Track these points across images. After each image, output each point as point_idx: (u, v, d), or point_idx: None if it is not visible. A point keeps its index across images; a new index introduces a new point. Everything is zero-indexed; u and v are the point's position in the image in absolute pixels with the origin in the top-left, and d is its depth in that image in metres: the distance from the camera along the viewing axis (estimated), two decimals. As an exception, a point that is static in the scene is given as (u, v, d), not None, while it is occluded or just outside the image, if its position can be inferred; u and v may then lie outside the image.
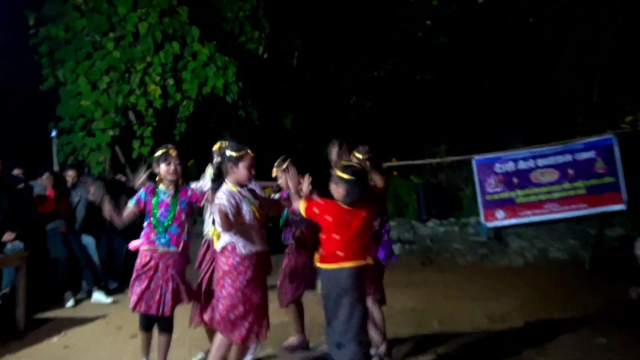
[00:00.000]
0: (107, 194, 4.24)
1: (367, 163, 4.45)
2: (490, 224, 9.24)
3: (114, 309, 6.60)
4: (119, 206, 4.30)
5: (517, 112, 12.54)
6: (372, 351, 4.27)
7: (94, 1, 9.54)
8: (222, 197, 3.69)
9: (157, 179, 4.29)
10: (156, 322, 4.28)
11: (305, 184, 3.87)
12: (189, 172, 7.27)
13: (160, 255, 4.18)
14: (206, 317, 4.00)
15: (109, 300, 7.01)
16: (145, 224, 4.24)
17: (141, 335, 4.35)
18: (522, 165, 9.28)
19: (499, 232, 9.29)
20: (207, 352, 4.52)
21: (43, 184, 7.42)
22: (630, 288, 6.33)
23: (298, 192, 3.82)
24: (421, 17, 13.75)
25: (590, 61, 11.91)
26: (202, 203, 4.35)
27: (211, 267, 4.36)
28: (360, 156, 4.52)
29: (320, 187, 4.02)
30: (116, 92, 9.42)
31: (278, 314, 5.27)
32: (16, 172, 7.47)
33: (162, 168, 4.24)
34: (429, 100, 13.72)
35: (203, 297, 4.31)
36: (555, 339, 5.01)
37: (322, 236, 3.73)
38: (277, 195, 4.81)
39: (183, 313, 4.58)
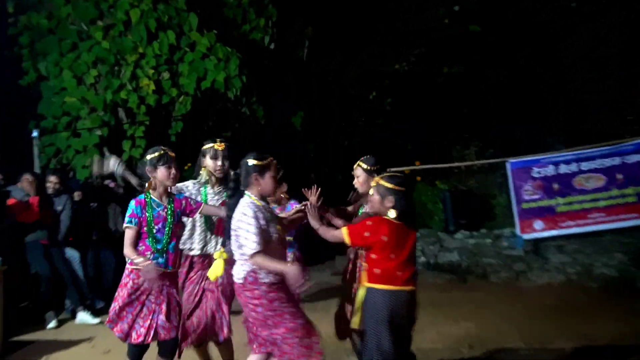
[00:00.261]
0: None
1: (375, 176, 4.47)
2: (527, 236, 9.18)
3: (101, 331, 6.61)
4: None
5: (557, 110, 12.50)
6: None
7: (80, -14, 9.64)
8: (249, 213, 3.66)
9: (147, 186, 4.19)
10: (148, 348, 4.23)
11: (313, 198, 3.90)
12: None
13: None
14: None
15: (95, 321, 7.02)
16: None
17: None
18: (563, 169, 9.22)
19: (537, 246, 9.23)
20: None
21: (24, 189, 7.33)
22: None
23: (317, 217, 3.86)
24: (448, 3, 13.74)
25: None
26: (195, 215, 4.33)
27: (200, 287, 4.41)
28: (365, 166, 4.51)
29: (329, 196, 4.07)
30: (105, 87, 9.48)
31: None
32: (-7, 176, 7.53)
33: (161, 173, 4.16)
34: (457, 96, 13.71)
35: (192, 318, 4.36)
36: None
37: (372, 255, 3.75)
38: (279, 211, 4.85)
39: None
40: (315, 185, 4.16)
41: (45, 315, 6.99)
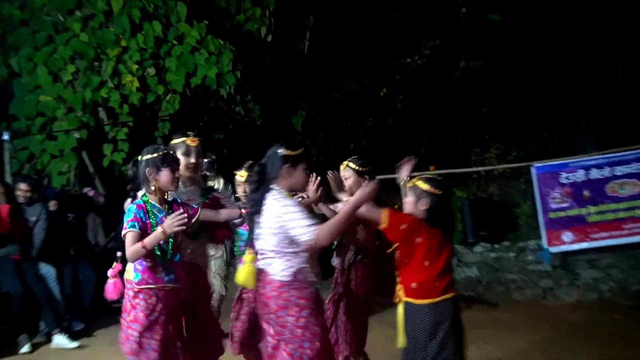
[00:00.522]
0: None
1: (365, 178, 4.49)
2: (555, 249, 9.15)
3: (80, 357, 6.62)
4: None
5: (588, 108, 12.49)
6: None
7: (57, -28, 9.67)
8: (289, 202, 3.71)
9: (149, 190, 4.09)
10: None
11: (312, 187, 3.92)
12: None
13: (166, 294, 4.02)
14: None
15: (73, 345, 7.03)
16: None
17: None
18: (595, 174, 9.20)
19: (565, 260, 9.20)
20: None
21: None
22: None
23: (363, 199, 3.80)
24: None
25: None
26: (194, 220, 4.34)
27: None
28: (356, 167, 4.52)
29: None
30: (83, 84, 9.51)
31: None
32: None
33: (165, 176, 4.06)
34: (476, 93, 13.72)
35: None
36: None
37: (404, 261, 3.86)
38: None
39: None
40: (315, 174, 4.17)
41: (17, 339, 6.99)
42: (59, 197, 8.56)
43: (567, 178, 9.26)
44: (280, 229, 3.71)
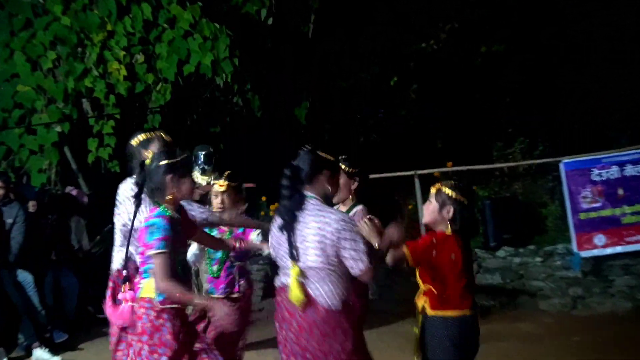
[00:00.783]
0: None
1: (355, 179, 4.52)
2: (586, 254, 9.14)
3: (62, 372, 6.67)
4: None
5: (622, 98, 12.46)
6: None
7: (35, -51, 9.69)
8: (348, 219, 3.78)
9: (167, 198, 3.99)
10: None
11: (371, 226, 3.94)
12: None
13: (184, 313, 4.09)
14: None
15: (55, 359, 7.06)
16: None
17: None
18: (630, 170, 9.20)
19: (598, 265, 9.20)
20: None
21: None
22: None
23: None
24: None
25: None
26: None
27: None
28: (346, 168, 4.54)
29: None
30: (65, 73, 9.53)
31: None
32: None
33: (188, 185, 4.04)
34: (498, 81, 13.70)
35: None
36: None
37: (432, 272, 3.95)
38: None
39: None
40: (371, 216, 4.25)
41: (-7, 353, 7.04)
42: (39, 197, 8.59)
43: (599, 175, 9.25)
44: (331, 247, 3.68)
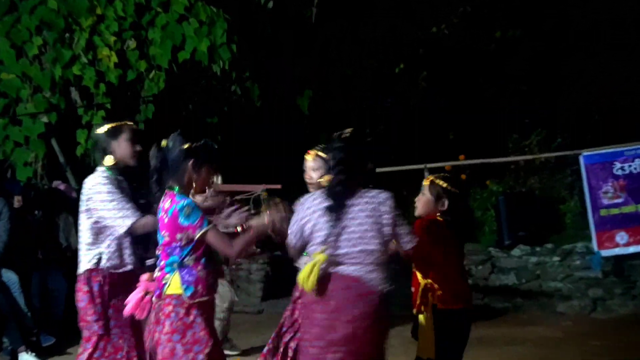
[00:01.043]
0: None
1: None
2: (607, 253, 9.15)
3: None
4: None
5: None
6: None
7: None
8: (397, 210, 3.84)
9: (193, 190, 4.10)
10: None
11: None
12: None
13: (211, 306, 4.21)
14: None
15: (42, 364, 7.10)
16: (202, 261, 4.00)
17: None
18: (654, 164, 9.22)
19: (619, 265, 9.21)
20: None
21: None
22: None
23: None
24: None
25: None
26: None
27: None
28: (326, 157, 4.55)
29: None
30: (52, 60, 9.53)
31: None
32: None
33: (206, 173, 4.12)
34: (514, 69, 13.68)
35: None
36: None
37: (434, 265, 4.11)
38: None
39: None
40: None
41: (-24, 358, 7.06)
42: (25, 192, 8.59)
43: (621, 169, 9.25)
44: (387, 234, 3.77)
